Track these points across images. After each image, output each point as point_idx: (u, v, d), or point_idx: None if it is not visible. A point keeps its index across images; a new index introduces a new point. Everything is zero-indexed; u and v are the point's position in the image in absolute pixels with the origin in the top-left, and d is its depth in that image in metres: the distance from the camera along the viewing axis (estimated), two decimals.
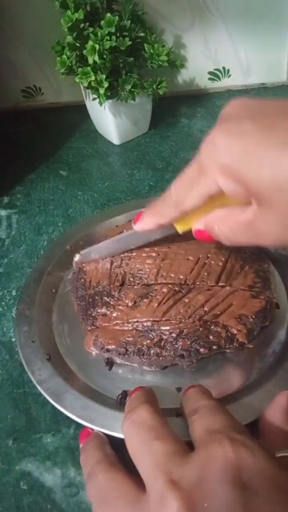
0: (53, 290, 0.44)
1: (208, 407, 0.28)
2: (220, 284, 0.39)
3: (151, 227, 0.35)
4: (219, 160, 0.26)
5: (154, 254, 0.42)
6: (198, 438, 0.25)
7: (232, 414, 0.29)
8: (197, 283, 0.39)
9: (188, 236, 0.43)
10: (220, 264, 0.40)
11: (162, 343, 0.35)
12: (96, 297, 0.40)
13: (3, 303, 0.45)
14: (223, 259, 0.40)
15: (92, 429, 0.32)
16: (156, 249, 0.42)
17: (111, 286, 0.40)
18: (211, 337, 0.35)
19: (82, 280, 0.42)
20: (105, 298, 0.39)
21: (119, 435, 0.31)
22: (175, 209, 0.32)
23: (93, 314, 0.39)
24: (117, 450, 0.29)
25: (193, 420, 0.27)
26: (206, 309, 0.37)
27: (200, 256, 0.41)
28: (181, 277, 0.39)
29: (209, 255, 0.41)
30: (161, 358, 0.35)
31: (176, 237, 0.43)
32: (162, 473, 0.23)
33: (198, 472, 0.22)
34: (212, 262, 0.40)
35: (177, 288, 0.38)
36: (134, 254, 0.42)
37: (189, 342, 0.35)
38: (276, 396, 0.30)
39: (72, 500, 0.31)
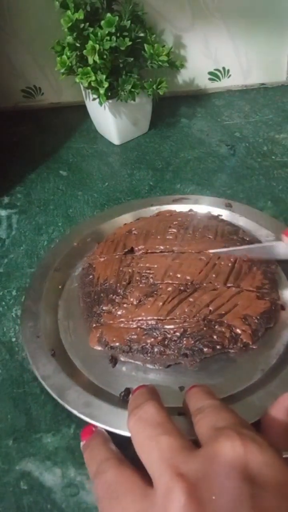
0: (60, 286, 0.44)
1: (213, 406, 0.28)
2: (228, 285, 0.39)
3: None
4: None
5: (167, 253, 0.42)
6: (205, 434, 0.25)
7: None
8: (204, 284, 0.39)
9: (200, 238, 0.43)
10: (229, 265, 0.40)
11: (166, 342, 0.36)
12: (102, 294, 0.40)
13: (3, 303, 0.45)
14: (232, 260, 0.41)
15: (95, 427, 0.32)
16: (168, 246, 0.43)
17: (118, 284, 0.40)
18: (215, 337, 0.35)
19: (91, 276, 0.42)
20: (111, 295, 0.39)
21: (121, 432, 0.31)
22: None
23: (98, 311, 0.39)
24: (119, 447, 0.29)
25: (199, 419, 0.27)
26: (211, 308, 0.37)
27: (211, 256, 0.41)
28: (188, 277, 0.39)
29: (219, 256, 0.41)
30: (164, 356, 0.35)
31: (187, 237, 0.43)
32: (169, 468, 0.23)
33: (205, 465, 0.22)
34: (222, 263, 0.40)
35: (182, 288, 0.38)
36: (147, 251, 0.43)
37: (192, 341, 0.35)
38: (279, 397, 0.30)
39: (72, 500, 0.31)
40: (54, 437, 0.34)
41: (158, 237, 0.44)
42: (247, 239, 0.44)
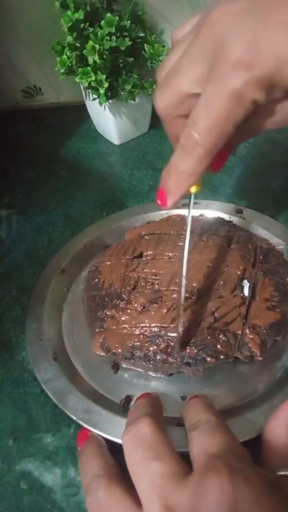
0: (65, 289, 0.44)
1: (209, 423, 0.27)
2: (234, 293, 0.38)
3: None
4: None
5: (174, 260, 0.41)
6: (197, 459, 0.25)
7: (236, 428, 0.28)
8: (211, 291, 0.38)
9: (213, 244, 0.42)
10: (239, 273, 0.39)
11: (169, 350, 0.35)
12: (106, 299, 0.39)
13: (3, 303, 0.45)
14: (241, 268, 0.40)
15: (90, 431, 0.32)
16: (177, 254, 0.42)
17: (123, 289, 0.39)
18: (218, 346, 0.35)
19: (96, 280, 0.42)
20: (115, 300, 0.39)
21: (120, 441, 0.30)
22: None
23: (102, 316, 0.39)
24: (116, 454, 0.29)
25: (192, 437, 0.27)
26: (216, 315, 0.36)
27: (220, 264, 0.40)
28: (195, 284, 0.38)
29: (229, 264, 0.40)
30: (167, 365, 0.35)
31: (200, 245, 0.43)
32: (158, 497, 0.23)
33: (193, 500, 0.22)
34: (231, 271, 0.40)
35: (187, 295, 0.38)
36: (154, 257, 0.42)
37: (196, 350, 0.34)
38: (280, 406, 0.29)
39: (72, 500, 0.31)
40: (54, 437, 0.34)
41: (170, 243, 0.43)
42: (264, 246, 0.44)
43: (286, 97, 0.26)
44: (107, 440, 0.31)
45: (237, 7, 0.24)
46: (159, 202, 0.30)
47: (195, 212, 0.49)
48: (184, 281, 0.35)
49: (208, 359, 0.34)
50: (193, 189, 0.30)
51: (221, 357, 0.34)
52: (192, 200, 0.32)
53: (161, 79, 0.29)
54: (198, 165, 0.27)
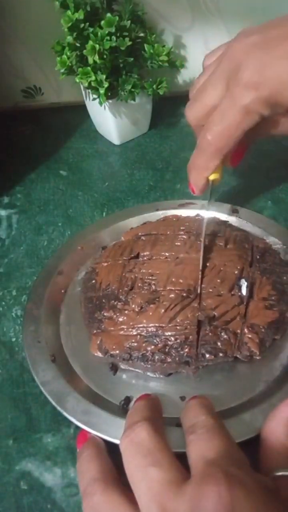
0: (62, 291, 0.44)
1: (206, 427, 0.27)
2: (232, 292, 0.38)
3: None
4: None
5: (170, 259, 0.41)
6: (194, 465, 0.25)
7: (235, 427, 0.28)
8: (209, 289, 0.38)
9: (210, 244, 0.43)
10: (236, 272, 0.39)
11: (167, 349, 0.35)
12: (104, 300, 0.39)
13: (3, 303, 0.45)
14: (239, 267, 0.40)
15: (89, 433, 0.32)
16: (173, 254, 0.42)
17: (120, 290, 0.39)
18: (219, 344, 0.34)
19: (93, 281, 0.42)
20: (113, 301, 0.39)
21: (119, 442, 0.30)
22: None
23: (100, 317, 0.39)
24: (116, 456, 0.29)
25: (190, 441, 0.26)
26: (215, 313, 0.36)
27: (217, 263, 0.40)
28: (191, 283, 0.38)
29: (226, 263, 0.40)
30: (165, 364, 0.35)
31: (197, 245, 0.43)
32: (156, 505, 0.23)
33: (191, 508, 0.22)
34: (228, 270, 0.40)
35: (185, 294, 0.38)
36: (151, 258, 0.42)
37: (194, 349, 0.34)
38: (279, 406, 0.28)
39: (72, 500, 0.31)
40: (54, 437, 0.34)
41: (167, 243, 0.43)
42: (261, 246, 0.44)
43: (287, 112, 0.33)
44: (106, 442, 0.31)
45: (252, 41, 0.32)
46: (190, 191, 0.41)
47: (192, 212, 0.50)
48: (200, 287, 0.37)
49: (207, 355, 0.34)
50: (212, 177, 0.38)
51: (220, 354, 0.34)
52: (210, 189, 0.41)
53: (192, 95, 0.38)
54: (210, 160, 0.37)
